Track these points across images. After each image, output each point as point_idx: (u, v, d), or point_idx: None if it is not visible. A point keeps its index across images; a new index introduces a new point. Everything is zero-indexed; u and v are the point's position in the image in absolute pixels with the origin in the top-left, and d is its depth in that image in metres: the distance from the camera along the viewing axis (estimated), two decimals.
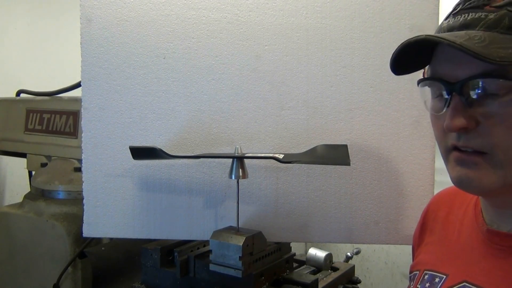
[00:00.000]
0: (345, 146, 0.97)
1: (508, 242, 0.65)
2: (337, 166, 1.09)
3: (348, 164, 0.96)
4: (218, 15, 1.11)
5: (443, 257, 0.75)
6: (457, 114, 0.59)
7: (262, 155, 1.03)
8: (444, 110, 0.62)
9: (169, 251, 1.13)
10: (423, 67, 0.70)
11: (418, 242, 0.86)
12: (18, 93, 1.86)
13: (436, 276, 0.72)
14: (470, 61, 0.57)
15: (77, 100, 1.33)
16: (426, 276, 0.74)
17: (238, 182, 1.06)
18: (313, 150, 1.02)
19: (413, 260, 0.87)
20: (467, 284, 0.66)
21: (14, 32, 2.33)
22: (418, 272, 0.78)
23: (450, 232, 0.77)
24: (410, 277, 0.82)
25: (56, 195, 1.58)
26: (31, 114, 1.71)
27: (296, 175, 1.12)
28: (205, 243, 1.16)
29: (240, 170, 1.03)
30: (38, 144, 1.68)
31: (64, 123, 1.59)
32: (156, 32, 1.12)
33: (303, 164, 1.10)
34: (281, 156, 0.99)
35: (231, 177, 1.03)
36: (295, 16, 1.10)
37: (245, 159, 1.04)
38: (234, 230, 1.04)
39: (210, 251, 1.01)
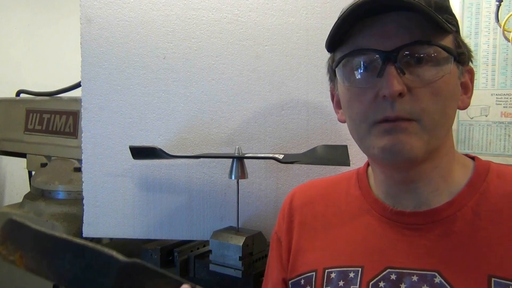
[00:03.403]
0: (345, 146, 0.97)
1: (418, 220, 0.66)
2: (337, 166, 1.09)
3: (348, 164, 0.96)
4: (218, 15, 1.11)
5: (344, 250, 0.71)
6: (396, 79, 0.60)
7: (262, 155, 1.03)
8: (376, 80, 0.62)
9: (169, 251, 1.13)
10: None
11: (286, 242, 0.78)
12: (18, 93, 1.86)
13: (349, 271, 0.68)
14: (401, 32, 0.61)
15: (77, 100, 1.33)
16: (334, 275, 0.69)
17: (238, 182, 1.06)
18: (313, 151, 1.02)
19: (287, 262, 0.78)
20: (391, 270, 0.65)
21: (14, 32, 2.33)
22: (314, 272, 0.71)
23: (338, 224, 0.74)
24: (300, 280, 0.73)
25: (56, 195, 1.58)
26: (31, 114, 1.70)
27: (296, 175, 1.12)
28: (205, 243, 1.16)
29: (240, 170, 1.03)
30: (38, 144, 1.68)
31: (64, 123, 1.59)
32: (156, 32, 1.12)
33: (303, 164, 1.10)
34: (281, 157, 0.99)
35: (231, 177, 1.03)
36: (295, 16, 1.10)
37: (245, 159, 1.04)
38: (234, 230, 1.04)
39: (210, 251, 1.01)
